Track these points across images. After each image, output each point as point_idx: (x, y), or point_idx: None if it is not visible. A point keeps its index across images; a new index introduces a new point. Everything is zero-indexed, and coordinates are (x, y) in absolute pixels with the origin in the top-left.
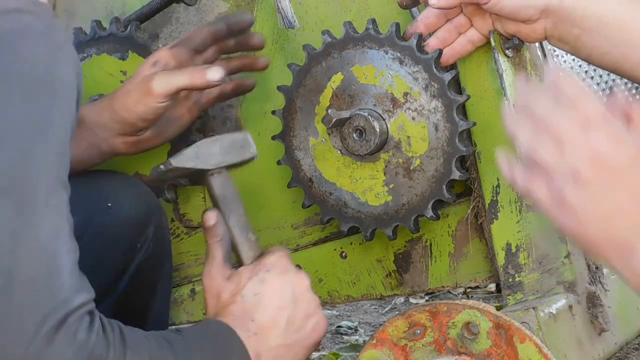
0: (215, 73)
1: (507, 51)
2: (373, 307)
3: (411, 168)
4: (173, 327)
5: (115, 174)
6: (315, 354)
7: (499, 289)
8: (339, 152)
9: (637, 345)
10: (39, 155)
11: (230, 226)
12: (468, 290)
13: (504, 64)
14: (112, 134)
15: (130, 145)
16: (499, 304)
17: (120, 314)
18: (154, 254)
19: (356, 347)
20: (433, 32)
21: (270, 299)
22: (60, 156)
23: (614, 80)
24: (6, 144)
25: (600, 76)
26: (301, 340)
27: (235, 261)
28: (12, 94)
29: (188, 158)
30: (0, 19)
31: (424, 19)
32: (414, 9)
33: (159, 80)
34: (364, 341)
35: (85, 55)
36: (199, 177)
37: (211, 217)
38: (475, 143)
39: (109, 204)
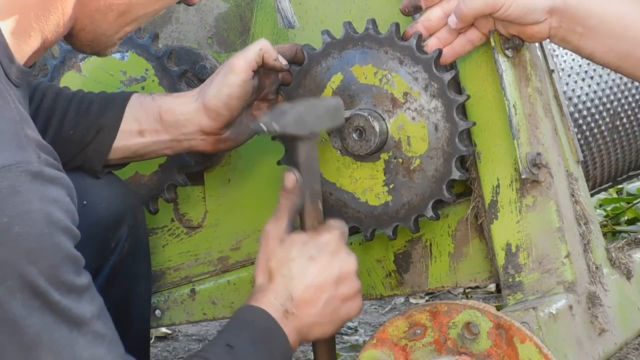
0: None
1: (507, 51)
2: (373, 307)
3: (411, 168)
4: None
5: None
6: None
7: (499, 289)
8: (339, 152)
9: (637, 345)
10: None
11: (304, 192)
12: (468, 290)
13: (503, 64)
14: (195, 129)
15: (209, 144)
16: (499, 304)
17: None
18: (130, 254)
19: (356, 347)
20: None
21: (313, 278)
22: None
23: (613, 80)
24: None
25: (600, 76)
26: (334, 320)
27: (299, 224)
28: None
29: (289, 123)
30: None
31: (425, 21)
32: None
33: (237, 56)
34: (364, 341)
35: (85, 55)
36: (283, 139)
37: (291, 180)
38: (475, 143)
39: (84, 202)
